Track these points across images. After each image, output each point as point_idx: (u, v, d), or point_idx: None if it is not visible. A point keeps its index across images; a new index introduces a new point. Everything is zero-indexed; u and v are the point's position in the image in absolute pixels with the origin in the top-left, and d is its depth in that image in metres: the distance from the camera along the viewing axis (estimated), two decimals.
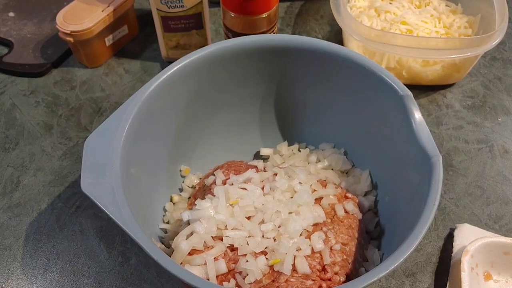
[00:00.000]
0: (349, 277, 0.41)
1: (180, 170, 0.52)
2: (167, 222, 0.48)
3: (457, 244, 0.48)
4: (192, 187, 0.51)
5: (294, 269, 0.39)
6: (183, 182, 0.51)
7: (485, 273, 0.46)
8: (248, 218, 0.42)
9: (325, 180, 0.47)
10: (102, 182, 0.38)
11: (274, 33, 0.59)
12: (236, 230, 0.41)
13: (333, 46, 0.46)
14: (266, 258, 0.39)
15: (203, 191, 0.47)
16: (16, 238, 0.51)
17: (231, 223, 0.41)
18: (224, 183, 0.46)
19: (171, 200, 0.50)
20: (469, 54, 0.55)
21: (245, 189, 0.44)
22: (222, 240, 0.41)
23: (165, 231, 0.47)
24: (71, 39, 0.62)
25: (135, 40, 0.70)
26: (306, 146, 0.54)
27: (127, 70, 0.66)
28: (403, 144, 0.43)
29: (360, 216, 0.45)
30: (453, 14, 0.66)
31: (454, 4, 0.67)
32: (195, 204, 0.43)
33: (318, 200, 0.44)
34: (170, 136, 0.48)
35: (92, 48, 0.64)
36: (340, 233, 0.42)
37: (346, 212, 0.44)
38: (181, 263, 0.40)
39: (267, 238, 0.40)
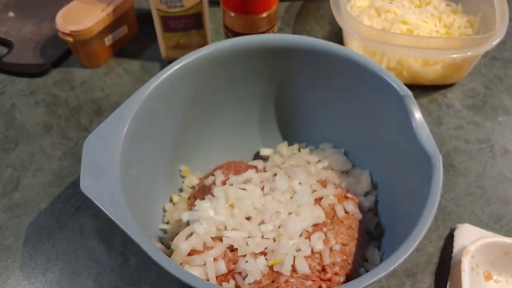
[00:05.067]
0: (349, 278, 0.40)
1: (180, 170, 0.51)
2: (167, 223, 0.48)
3: (458, 244, 0.48)
4: (191, 187, 0.51)
5: (293, 270, 0.39)
6: (183, 182, 0.51)
7: (486, 273, 0.46)
8: (248, 218, 0.42)
9: (325, 180, 0.47)
10: (101, 183, 0.38)
11: (274, 33, 0.59)
12: (236, 231, 0.41)
13: (333, 46, 0.46)
14: (266, 259, 0.39)
15: (202, 191, 0.47)
16: (16, 238, 0.51)
17: (230, 223, 0.41)
18: (224, 183, 0.46)
19: (170, 201, 0.50)
20: (469, 53, 0.55)
21: (245, 189, 0.43)
22: (221, 240, 0.41)
23: (164, 231, 0.47)
24: (70, 39, 0.62)
25: (135, 40, 0.70)
26: (306, 146, 0.54)
27: (127, 70, 0.66)
28: (403, 144, 0.43)
29: (360, 216, 0.45)
30: (453, 13, 0.66)
31: (455, 3, 0.67)
32: (195, 205, 0.43)
33: (318, 200, 0.44)
34: (170, 136, 0.48)
35: (91, 48, 0.64)
36: (340, 233, 0.42)
37: (346, 212, 0.44)
38: (181, 263, 0.40)
39: (267, 238, 0.40)
